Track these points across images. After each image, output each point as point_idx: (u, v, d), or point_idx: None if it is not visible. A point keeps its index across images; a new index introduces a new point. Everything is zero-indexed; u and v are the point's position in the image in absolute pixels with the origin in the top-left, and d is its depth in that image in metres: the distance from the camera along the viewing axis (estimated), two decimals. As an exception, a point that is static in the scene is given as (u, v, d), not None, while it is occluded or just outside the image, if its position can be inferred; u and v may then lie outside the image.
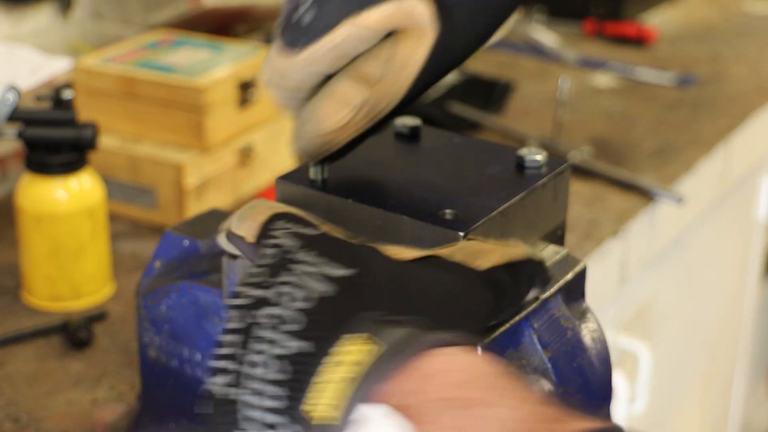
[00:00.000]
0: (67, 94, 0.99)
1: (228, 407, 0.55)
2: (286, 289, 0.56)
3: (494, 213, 0.65)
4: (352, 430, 0.52)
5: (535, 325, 0.65)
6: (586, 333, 0.68)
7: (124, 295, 1.03)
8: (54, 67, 1.24)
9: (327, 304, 0.55)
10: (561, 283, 0.68)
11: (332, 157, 0.68)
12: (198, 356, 0.73)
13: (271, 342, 0.54)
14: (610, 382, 0.68)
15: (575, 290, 0.70)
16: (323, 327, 0.54)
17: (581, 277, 0.70)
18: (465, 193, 0.66)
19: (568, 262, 0.70)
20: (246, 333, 0.55)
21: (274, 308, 0.55)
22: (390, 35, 0.64)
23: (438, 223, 0.64)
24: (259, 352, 0.54)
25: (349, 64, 0.65)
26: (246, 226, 0.62)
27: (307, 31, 0.63)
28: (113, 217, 1.14)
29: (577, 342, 0.66)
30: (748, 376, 2.03)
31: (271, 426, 0.54)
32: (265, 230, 0.60)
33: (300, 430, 0.53)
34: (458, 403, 0.51)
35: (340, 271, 0.56)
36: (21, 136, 0.98)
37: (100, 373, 0.92)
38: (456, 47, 0.66)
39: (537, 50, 1.76)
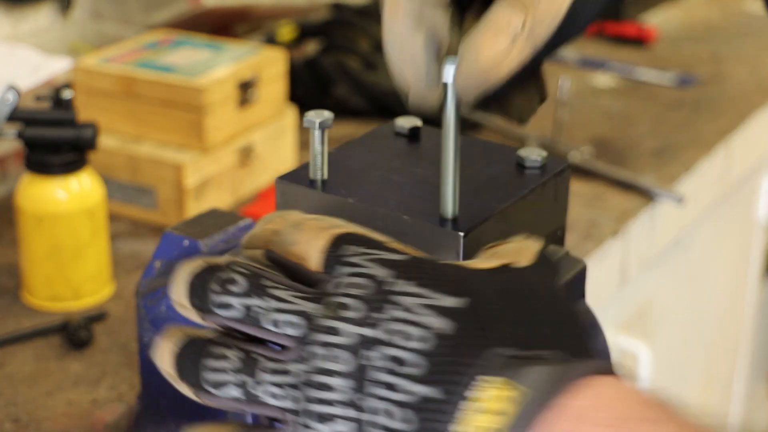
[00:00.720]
0: (66, 94, 0.99)
1: None
2: (396, 326, 0.51)
3: (494, 213, 0.65)
4: None
5: (536, 326, 0.65)
6: (587, 333, 0.68)
7: (124, 295, 1.03)
8: (54, 67, 1.24)
9: (448, 342, 0.50)
10: (561, 283, 0.68)
11: (495, 99, 0.62)
12: (198, 356, 0.73)
13: (391, 387, 0.50)
14: (610, 383, 0.68)
15: (575, 290, 0.70)
16: (450, 369, 0.49)
17: (581, 277, 0.70)
18: (465, 193, 0.66)
19: (569, 262, 0.70)
20: (359, 376, 0.50)
21: (387, 349, 0.50)
22: None
23: (438, 223, 0.64)
24: (380, 398, 0.50)
25: None
26: (299, 251, 0.55)
27: None
28: (113, 217, 1.14)
29: (578, 342, 0.66)
30: (749, 377, 2.03)
31: None
32: (334, 257, 0.54)
33: None
34: None
35: (451, 302, 0.51)
36: (21, 136, 0.98)
37: (99, 373, 0.92)
38: None
39: (537, 50, 1.76)
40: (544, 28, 0.59)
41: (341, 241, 0.55)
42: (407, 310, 0.51)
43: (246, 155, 1.21)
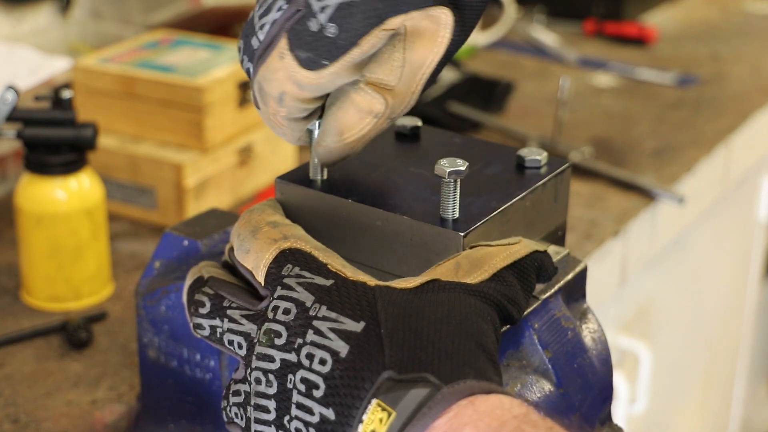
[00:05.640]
0: (66, 94, 0.98)
1: None
2: (310, 350, 0.56)
3: (494, 213, 0.65)
4: None
5: (536, 326, 0.65)
6: (587, 333, 0.68)
7: (124, 295, 1.03)
8: (53, 67, 1.24)
9: (342, 364, 0.55)
10: (561, 283, 0.68)
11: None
12: (197, 356, 0.73)
13: (304, 408, 0.55)
14: (610, 383, 0.68)
15: (576, 290, 0.70)
16: (341, 392, 0.54)
17: (581, 277, 0.70)
18: (465, 193, 0.66)
19: (569, 262, 0.70)
20: (285, 398, 0.56)
21: (303, 372, 0.56)
22: (395, 36, 0.63)
23: (438, 223, 0.64)
24: (298, 419, 0.55)
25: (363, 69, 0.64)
26: (251, 261, 0.62)
27: (332, 44, 0.62)
28: (113, 217, 1.14)
29: (578, 342, 0.66)
30: (749, 377, 2.03)
31: None
32: (275, 274, 0.60)
33: None
34: None
35: (351, 326, 0.56)
36: (20, 136, 0.98)
37: (99, 373, 0.91)
38: (459, 46, 0.66)
39: (537, 50, 1.76)
40: (403, 107, 0.65)
41: (284, 257, 0.61)
42: (320, 334, 0.56)
43: (246, 155, 1.21)
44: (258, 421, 0.58)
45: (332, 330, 0.56)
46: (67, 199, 0.99)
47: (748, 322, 1.93)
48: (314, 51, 0.62)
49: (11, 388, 0.89)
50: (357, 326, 0.56)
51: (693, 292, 1.63)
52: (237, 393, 0.60)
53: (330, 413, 0.54)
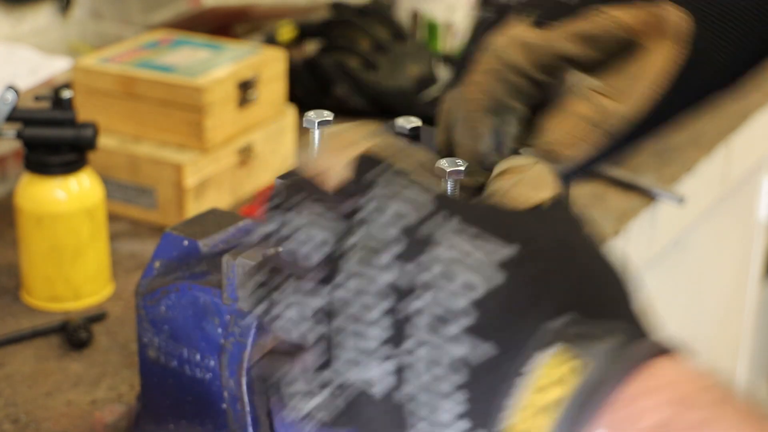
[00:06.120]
0: (66, 94, 0.98)
1: (393, 413, 0.45)
2: (446, 269, 0.44)
3: (494, 213, 0.65)
4: None
5: (536, 326, 0.65)
6: (587, 333, 0.67)
7: (124, 295, 1.02)
8: (53, 67, 1.24)
9: (500, 298, 0.44)
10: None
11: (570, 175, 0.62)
12: (197, 356, 0.73)
13: (433, 345, 0.44)
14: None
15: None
16: (504, 330, 0.44)
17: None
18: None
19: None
20: (397, 328, 0.45)
21: (426, 298, 0.44)
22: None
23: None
24: (421, 356, 0.44)
25: (578, 78, 0.60)
26: (328, 160, 0.48)
27: (570, 10, 0.59)
28: (113, 217, 1.14)
29: (578, 342, 0.66)
30: (749, 377, 2.03)
31: None
32: (368, 166, 0.47)
33: None
34: (678, 428, 0.42)
35: (502, 249, 0.45)
36: (20, 136, 0.98)
37: (99, 373, 0.91)
38: (710, 69, 0.61)
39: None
40: (617, 118, 0.59)
41: (369, 162, 0.48)
42: (449, 251, 0.45)
43: (246, 155, 1.21)
44: (354, 349, 0.45)
45: (477, 249, 0.44)
46: (67, 199, 0.99)
47: (748, 322, 1.93)
48: (548, 12, 0.60)
49: (11, 388, 0.89)
50: (510, 249, 0.45)
51: (693, 292, 1.63)
52: (304, 315, 0.47)
53: (488, 349, 0.44)
